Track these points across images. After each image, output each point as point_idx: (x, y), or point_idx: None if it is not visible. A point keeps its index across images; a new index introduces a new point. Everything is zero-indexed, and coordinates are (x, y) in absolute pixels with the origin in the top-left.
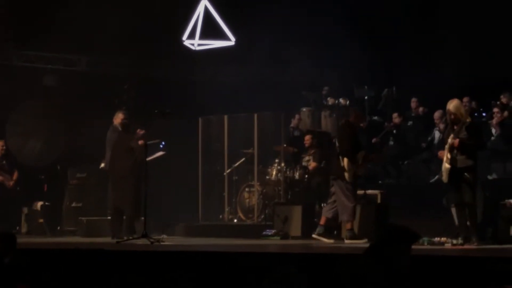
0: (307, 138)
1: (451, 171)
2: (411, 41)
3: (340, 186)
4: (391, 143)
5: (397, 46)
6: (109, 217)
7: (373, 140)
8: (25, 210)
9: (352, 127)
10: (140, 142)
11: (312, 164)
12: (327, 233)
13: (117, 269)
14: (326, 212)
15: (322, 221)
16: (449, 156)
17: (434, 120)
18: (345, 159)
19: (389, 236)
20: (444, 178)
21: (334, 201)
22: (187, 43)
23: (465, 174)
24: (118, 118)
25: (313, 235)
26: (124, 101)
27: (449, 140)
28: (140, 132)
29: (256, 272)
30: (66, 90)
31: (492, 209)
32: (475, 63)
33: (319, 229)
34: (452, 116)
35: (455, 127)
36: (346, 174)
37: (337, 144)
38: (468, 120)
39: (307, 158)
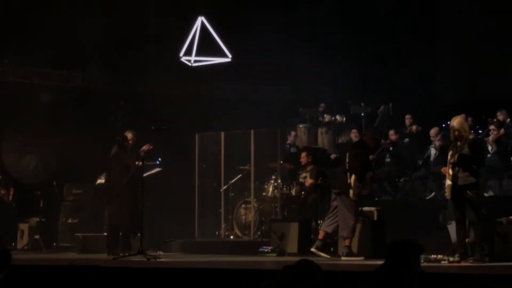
0: (303, 155)
1: (453, 188)
2: (408, 58)
3: (344, 201)
4: (388, 160)
5: (393, 63)
6: (105, 234)
7: (370, 157)
8: (21, 226)
9: (365, 147)
10: (139, 163)
11: (309, 181)
12: (325, 248)
13: (113, 286)
14: (326, 227)
15: (320, 236)
16: (451, 172)
17: (430, 137)
18: (353, 176)
19: (398, 251)
20: (447, 194)
21: (335, 216)
22: (184, 59)
23: (468, 192)
24: (126, 138)
25: (312, 249)
26: (119, 118)
27: (450, 157)
28: (147, 147)
29: None
30: (62, 106)
31: (489, 227)
32: (471, 81)
33: (317, 243)
34: (456, 133)
35: (458, 143)
36: (351, 192)
37: (347, 160)
38: (471, 137)
39: (303, 174)
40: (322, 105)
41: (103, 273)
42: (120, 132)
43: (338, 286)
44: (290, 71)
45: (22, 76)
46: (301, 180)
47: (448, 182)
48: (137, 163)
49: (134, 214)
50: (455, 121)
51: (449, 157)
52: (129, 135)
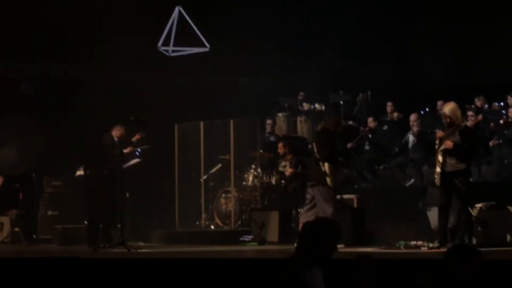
0: (280, 146)
1: (442, 174)
2: (386, 46)
3: (321, 191)
4: (367, 147)
5: (372, 51)
6: (85, 225)
7: (349, 145)
8: (1, 218)
9: (330, 132)
10: (128, 149)
11: (288, 170)
12: None
13: (94, 278)
14: (305, 219)
15: (301, 229)
16: (440, 159)
17: (410, 122)
18: (327, 164)
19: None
20: (437, 181)
21: (312, 207)
22: (162, 49)
23: (457, 179)
24: (117, 131)
25: (296, 245)
26: (98, 108)
27: (438, 142)
28: (139, 136)
29: (233, 278)
30: (41, 98)
31: (467, 213)
32: (450, 68)
33: None
34: (448, 120)
35: (451, 130)
36: (328, 179)
37: (315, 150)
38: (463, 123)
39: (283, 163)
40: (302, 93)
41: (83, 265)
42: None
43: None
44: (269, 60)
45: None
46: (280, 169)
47: (438, 169)
48: (125, 151)
49: (114, 205)
50: (447, 108)
51: (436, 145)
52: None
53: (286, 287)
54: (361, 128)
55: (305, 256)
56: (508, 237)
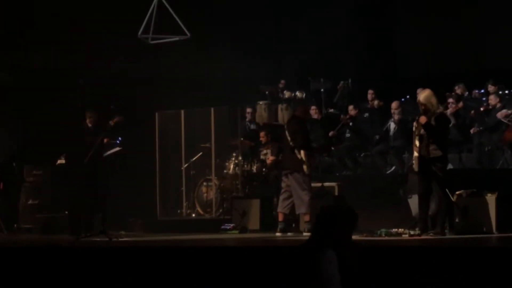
0: (262, 135)
1: (420, 161)
2: (367, 34)
3: (297, 179)
4: (348, 135)
5: (352, 39)
6: (66, 214)
7: (330, 133)
8: None
9: (301, 120)
10: (106, 140)
11: (270, 158)
12: (288, 227)
13: (75, 267)
14: (282, 208)
15: (280, 218)
16: (417, 144)
17: (391, 110)
18: (303, 152)
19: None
20: (415, 166)
21: (289, 196)
22: (142, 37)
23: (434, 165)
24: (87, 116)
25: (277, 234)
26: (79, 97)
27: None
28: (118, 119)
29: (215, 267)
30: (20, 87)
31: (448, 200)
32: (430, 55)
33: (280, 226)
34: (422, 107)
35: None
36: (305, 167)
37: (289, 138)
38: (439, 110)
39: (264, 151)
40: (283, 81)
41: (65, 254)
42: (80, 112)
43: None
44: (250, 48)
45: None
46: (262, 157)
47: (416, 153)
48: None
49: (95, 194)
50: (422, 96)
51: (414, 128)
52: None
53: (300, 271)
54: (342, 116)
55: (320, 240)
56: (484, 228)
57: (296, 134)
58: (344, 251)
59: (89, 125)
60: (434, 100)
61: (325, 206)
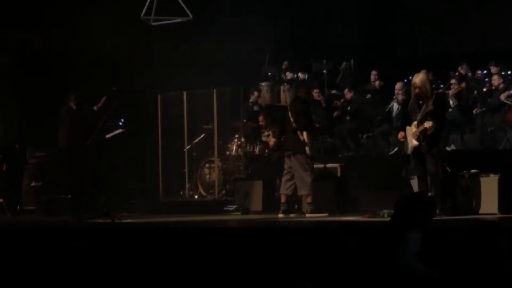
0: (261, 119)
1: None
2: (370, 14)
3: (300, 161)
4: (348, 117)
5: (354, 20)
6: (69, 196)
7: (335, 114)
8: None
9: (306, 102)
10: (96, 107)
11: (272, 140)
12: (290, 208)
13: (78, 248)
14: (285, 190)
15: (282, 199)
16: (414, 130)
17: (395, 90)
18: (305, 133)
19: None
20: (409, 150)
21: (291, 178)
22: (144, 18)
23: (433, 149)
24: (70, 98)
25: (280, 215)
26: (81, 79)
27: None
28: (100, 104)
29: (217, 248)
30: (23, 69)
31: (451, 180)
32: (433, 36)
33: (283, 207)
34: (417, 90)
35: (421, 102)
36: (307, 148)
37: (291, 120)
38: (435, 93)
39: (266, 133)
40: (286, 62)
41: (68, 235)
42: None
43: (305, 242)
44: (251, 29)
45: None
46: (264, 139)
47: (414, 142)
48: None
49: (98, 176)
50: (417, 78)
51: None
52: (71, 96)
53: (388, 247)
54: (335, 102)
55: (407, 222)
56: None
57: (298, 115)
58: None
59: (74, 107)
60: (428, 84)
61: (404, 196)
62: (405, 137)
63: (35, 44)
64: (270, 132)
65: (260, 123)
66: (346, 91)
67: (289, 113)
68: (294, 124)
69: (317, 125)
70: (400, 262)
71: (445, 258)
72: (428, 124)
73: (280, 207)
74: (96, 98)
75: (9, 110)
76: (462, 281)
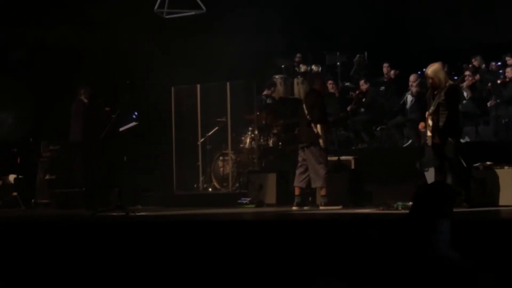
0: (264, 116)
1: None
2: (383, 6)
3: (314, 153)
4: (362, 109)
5: (367, 12)
6: (83, 189)
7: (349, 107)
8: None
9: (319, 94)
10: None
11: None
12: (304, 200)
13: (92, 241)
14: (299, 182)
15: (296, 192)
16: (430, 123)
17: (409, 82)
18: (319, 126)
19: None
20: (429, 141)
21: (305, 170)
22: (157, 11)
23: (448, 140)
24: (81, 92)
25: (294, 208)
26: (94, 73)
27: (431, 109)
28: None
29: (231, 241)
30: (37, 63)
31: (465, 172)
32: (446, 28)
33: (297, 200)
34: (430, 80)
35: (435, 92)
36: (321, 141)
37: (306, 112)
38: (448, 83)
39: (273, 131)
40: (299, 55)
41: (82, 228)
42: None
43: (318, 234)
44: (265, 21)
45: None
46: (274, 131)
47: (428, 133)
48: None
49: (112, 169)
50: (430, 69)
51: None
52: (81, 90)
53: (416, 238)
54: (350, 93)
55: (434, 211)
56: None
57: (313, 108)
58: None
59: (85, 101)
60: (442, 75)
61: (423, 186)
62: (425, 127)
63: (47, 39)
64: (278, 128)
65: (263, 122)
66: (362, 82)
67: (304, 105)
68: (308, 117)
69: (331, 118)
70: (434, 252)
71: (467, 250)
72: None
73: (294, 199)
74: (108, 92)
75: (23, 104)
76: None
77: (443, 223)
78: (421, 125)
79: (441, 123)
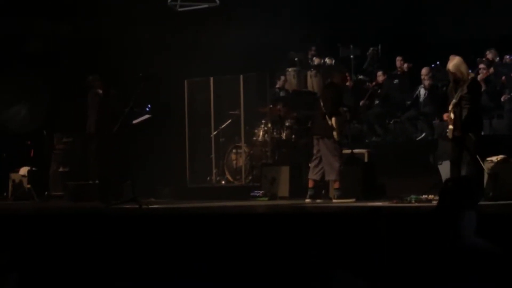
0: (279, 108)
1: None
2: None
3: (328, 145)
4: (377, 102)
5: (381, 4)
6: (96, 182)
7: (361, 102)
8: (12, 175)
9: (338, 88)
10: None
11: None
12: (317, 193)
13: (106, 234)
14: (313, 174)
15: (310, 184)
16: (452, 116)
17: (421, 76)
18: (334, 119)
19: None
20: (450, 134)
21: (319, 162)
22: (171, 4)
23: (467, 133)
24: (96, 84)
25: (307, 200)
26: (108, 66)
27: (453, 102)
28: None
29: (244, 233)
30: (50, 55)
31: (479, 166)
32: (460, 20)
33: (310, 193)
34: (452, 75)
35: (458, 86)
36: (335, 133)
37: (321, 104)
38: (470, 77)
39: (287, 124)
40: (313, 48)
41: (95, 221)
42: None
43: (331, 227)
44: (278, 14)
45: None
46: (287, 124)
47: (450, 126)
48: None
49: (125, 161)
50: (451, 64)
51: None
52: (96, 81)
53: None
54: (367, 84)
55: (455, 206)
56: None
57: (329, 100)
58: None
59: (100, 92)
60: (463, 68)
61: (449, 181)
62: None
63: (62, 31)
64: (293, 121)
65: (279, 113)
66: (379, 73)
67: (320, 97)
68: (323, 109)
69: (347, 114)
70: (462, 242)
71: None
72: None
73: (306, 192)
74: (122, 84)
75: (36, 97)
76: None
77: (469, 213)
78: (446, 115)
79: (463, 117)
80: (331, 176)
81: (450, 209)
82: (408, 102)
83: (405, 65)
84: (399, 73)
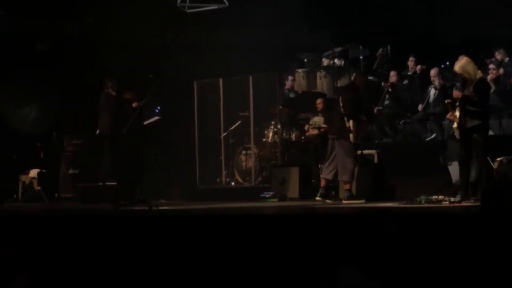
0: (319, 101)
1: (461, 130)
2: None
3: (344, 146)
4: (387, 102)
5: (390, 5)
6: (106, 183)
7: (375, 109)
8: (22, 177)
9: (357, 90)
10: (134, 104)
11: (312, 130)
12: (328, 193)
13: (115, 235)
14: (326, 174)
15: (322, 183)
16: (457, 115)
17: (431, 77)
18: (351, 121)
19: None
20: (456, 134)
21: (334, 162)
22: (180, 5)
23: (474, 134)
24: (108, 85)
25: (317, 198)
26: (117, 66)
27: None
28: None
29: (254, 234)
30: (60, 56)
31: (489, 167)
32: (469, 20)
33: (321, 191)
34: (459, 76)
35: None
36: (351, 135)
37: (341, 105)
38: (478, 77)
39: (315, 120)
40: (337, 49)
41: (105, 222)
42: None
43: (341, 229)
44: (288, 15)
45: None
46: (311, 122)
47: (455, 124)
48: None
49: (135, 163)
50: (457, 66)
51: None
52: (107, 82)
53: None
54: (383, 83)
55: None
56: None
57: (347, 102)
58: None
59: (113, 93)
60: (470, 68)
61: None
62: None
63: (71, 31)
64: (322, 119)
65: (318, 105)
66: (392, 73)
67: (340, 98)
68: (342, 110)
69: (363, 116)
70: None
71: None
72: (456, 94)
73: (316, 194)
74: (132, 85)
75: (46, 98)
76: None
77: None
78: (449, 115)
79: (468, 118)
80: (344, 178)
81: (494, 212)
82: (421, 105)
83: (418, 67)
84: (410, 73)
